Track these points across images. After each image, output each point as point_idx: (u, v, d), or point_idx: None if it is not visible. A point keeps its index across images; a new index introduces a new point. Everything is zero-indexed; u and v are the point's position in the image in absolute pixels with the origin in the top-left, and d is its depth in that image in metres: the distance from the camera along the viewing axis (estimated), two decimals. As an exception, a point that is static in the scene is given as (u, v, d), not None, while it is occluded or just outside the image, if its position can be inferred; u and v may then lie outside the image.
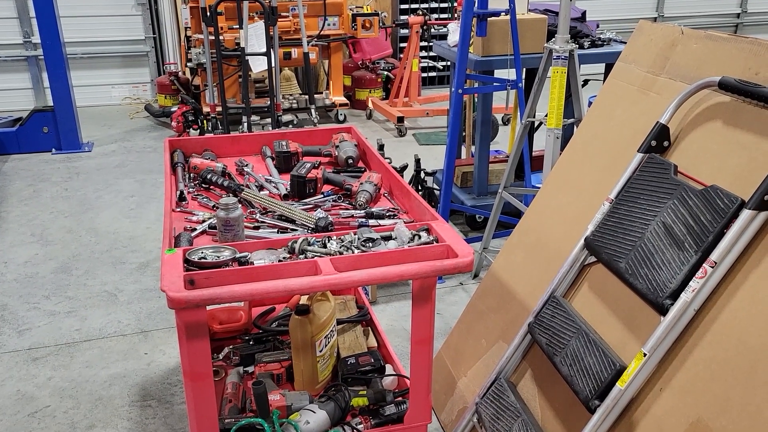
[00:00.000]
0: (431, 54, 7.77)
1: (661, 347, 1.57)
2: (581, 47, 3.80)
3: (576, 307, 1.89)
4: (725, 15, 9.54)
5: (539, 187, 2.65)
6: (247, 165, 2.45)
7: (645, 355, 1.57)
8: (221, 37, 5.57)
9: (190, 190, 2.26)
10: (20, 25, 7.19)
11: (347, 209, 2.12)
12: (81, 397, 2.74)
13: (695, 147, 1.80)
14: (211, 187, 2.26)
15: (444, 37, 4.50)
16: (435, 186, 4.46)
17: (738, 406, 1.42)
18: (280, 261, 1.67)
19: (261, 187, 2.30)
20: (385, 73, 7.32)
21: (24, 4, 7.06)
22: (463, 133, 4.61)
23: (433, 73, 8.23)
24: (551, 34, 3.46)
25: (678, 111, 1.84)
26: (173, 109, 6.14)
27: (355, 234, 1.79)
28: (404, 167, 4.33)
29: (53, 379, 2.85)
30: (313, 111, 6.09)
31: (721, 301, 1.53)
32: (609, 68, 3.81)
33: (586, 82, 3.76)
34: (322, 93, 6.93)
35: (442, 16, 7.80)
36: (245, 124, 5.56)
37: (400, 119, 6.32)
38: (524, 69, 3.78)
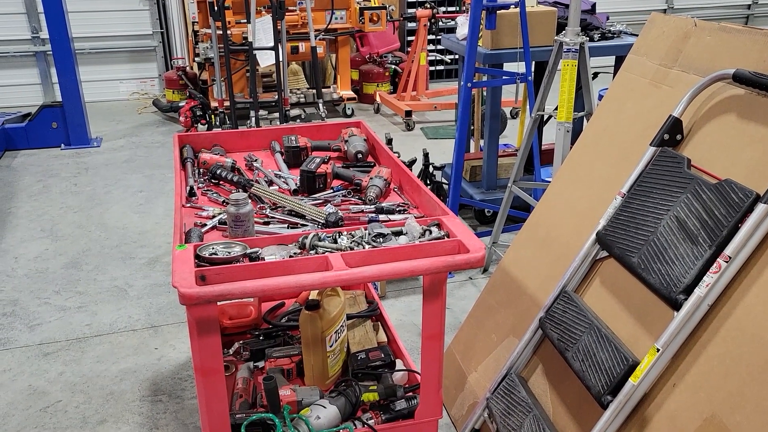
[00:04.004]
0: (439, 47, 7.74)
1: (674, 342, 1.56)
2: (591, 40, 3.76)
3: (587, 302, 1.88)
4: (736, 6, 9.46)
5: (549, 181, 2.64)
6: (256, 160, 2.45)
7: (658, 350, 1.56)
8: (229, 32, 5.56)
9: (200, 185, 2.26)
10: (28, 21, 7.21)
11: (357, 204, 2.12)
12: (92, 392, 2.75)
13: (709, 140, 1.78)
14: (221, 182, 2.26)
15: (452, 30, 4.47)
16: (444, 180, 4.44)
17: (753, 402, 1.41)
18: (291, 257, 1.67)
19: (270, 183, 2.30)
20: (393, 66, 7.30)
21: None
22: (472, 127, 4.60)
23: (441, 67, 8.20)
24: (561, 27, 3.44)
25: (691, 104, 1.83)
26: (181, 104, 6.14)
27: (365, 229, 1.78)
28: (413, 161, 4.33)
29: (64, 374, 2.87)
30: (321, 105, 6.08)
31: (735, 296, 1.52)
32: (619, 61, 3.79)
33: (596, 74, 3.73)
34: (329, 87, 6.92)
35: (450, 9, 7.76)
36: (253, 119, 5.56)
37: (408, 113, 6.30)
38: (534, 62, 3.76)
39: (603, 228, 1.88)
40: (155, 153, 5.76)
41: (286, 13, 5.70)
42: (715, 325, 1.54)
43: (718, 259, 1.51)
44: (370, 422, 1.96)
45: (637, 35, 2.33)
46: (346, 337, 2.27)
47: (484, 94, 4.41)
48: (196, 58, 6.45)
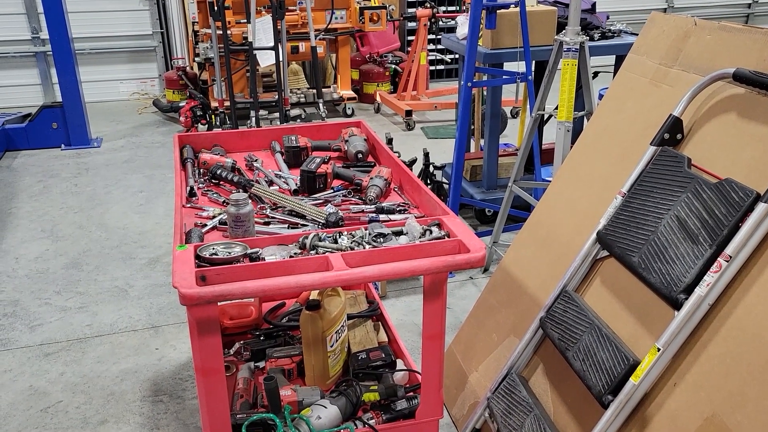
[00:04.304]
0: (439, 47, 7.74)
1: (675, 342, 1.56)
2: (591, 39, 3.76)
3: (588, 302, 1.88)
4: (736, 5, 9.45)
5: (549, 181, 2.64)
6: (256, 160, 2.45)
7: (659, 350, 1.56)
8: (229, 32, 5.56)
9: (200, 185, 2.26)
10: (28, 21, 7.21)
11: (357, 204, 2.12)
12: (93, 392, 2.75)
13: (709, 140, 1.78)
14: (221, 182, 2.26)
15: (452, 29, 4.47)
16: (444, 180, 4.44)
17: (753, 402, 1.41)
18: (291, 257, 1.67)
19: (271, 183, 2.30)
20: (393, 66, 7.30)
21: (32, 0, 7.08)
22: (472, 127, 4.60)
23: (441, 66, 8.20)
24: (561, 26, 3.44)
25: (691, 103, 1.83)
26: (181, 104, 6.14)
27: (366, 229, 1.78)
28: (413, 161, 4.33)
29: (65, 374, 2.87)
30: (321, 105, 6.08)
31: (736, 296, 1.52)
32: (619, 60, 3.79)
33: (596, 74, 3.73)
34: (329, 87, 6.92)
35: (451, 8, 7.76)
36: (253, 119, 5.56)
37: (409, 113, 6.30)
38: (534, 61, 3.76)
39: (603, 227, 1.88)
40: (155, 153, 5.76)
41: (286, 13, 5.71)
42: (716, 324, 1.54)
43: (718, 259, 1.51)
44: (371, 422, 1.96)
45: (637, 34, 2.33)
46: (347, 337, 2.27)
47: (485, 93, 4.41)
48: (196, 58, 6.46)
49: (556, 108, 3.04)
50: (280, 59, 5.52)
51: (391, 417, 1.99)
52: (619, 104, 2.22)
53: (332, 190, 2.22)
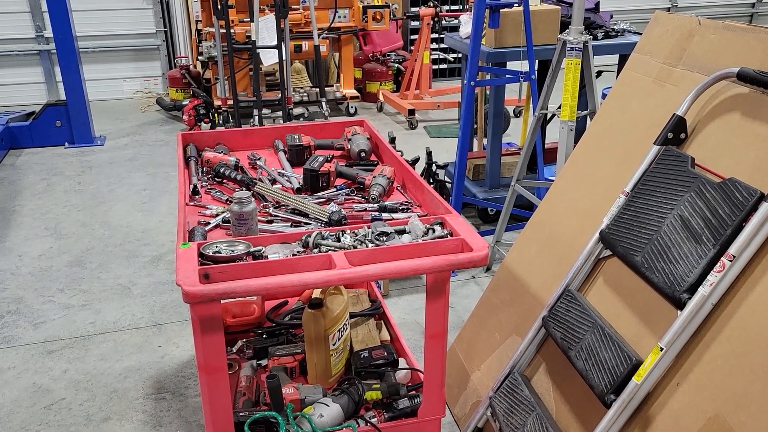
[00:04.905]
0: (442, 46, 7.74)
1: (678, 342, 1.56)
2: (595, 38, 3.76)
3: (591, 301, 1.88)
4: (740, 5, 9.43)
5: (552, 180, 2.64)
6: (259, 158, 2.45)
7: (662, 349, 1.55)
8: (232, 31, 5.57)
9: (204, 183, 2.26)
10: (32, 20, 7.22)
11: (360, 203, 2.12)
12: (96, 389, 2.76)
13: (713, 139, 1.78)
14: (224, 180, 2.26)
15: (455, 28, 4.47)
16: (447, 179, 4.44)
17: (757, 401, 1.41)
18: (294, 255, 1.67)
19: (274, 181, 2.30)
20: (396, 65, 7.30)
21: (36, -2, 7.10)
22: (475, 126, 4.60)
23: (444, 65, 8.19)
24: (564, 25, 3.43)
25: (695, 103, 1.82)
26: (184, 103, 6.15)
27: (368, 228, 1.78)
28: (416, 160, 4.32)
29: (68, 371, 2.88)
30: (323, 104, 6.08)
31: (739, 296, 1.52)
32: (623, 59, 3.79)
33: (599, 73, 3.73)
34: (332, 86, 6.92)
35: (454, 7, 7.76)
36: (256, 118, 5.56)
37: (411, 112, 6.30)
38: (537, 60, 3.75)
39: (606, 227, 1.88)
40: (159, 151, 5.77)
41: (290, 12, 5.71)
42: (719, 324, 1.53)
43: (722, 258, 1.51)
44: (373, 420, 1.96)
45: (640, 34, 2.33)
46: (349, 335, 2.27)
47: (488, 92, 4.41)
48: (199, 57, 6.46)
49: (559, 107, 3.03)
50: (284, 58, 5.52)
51: (394, 415, 1.99)
52: (622, 103, 2.22)
53: (335, 189, 2.22)
